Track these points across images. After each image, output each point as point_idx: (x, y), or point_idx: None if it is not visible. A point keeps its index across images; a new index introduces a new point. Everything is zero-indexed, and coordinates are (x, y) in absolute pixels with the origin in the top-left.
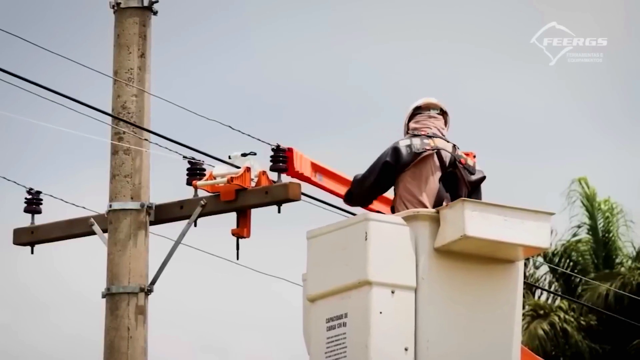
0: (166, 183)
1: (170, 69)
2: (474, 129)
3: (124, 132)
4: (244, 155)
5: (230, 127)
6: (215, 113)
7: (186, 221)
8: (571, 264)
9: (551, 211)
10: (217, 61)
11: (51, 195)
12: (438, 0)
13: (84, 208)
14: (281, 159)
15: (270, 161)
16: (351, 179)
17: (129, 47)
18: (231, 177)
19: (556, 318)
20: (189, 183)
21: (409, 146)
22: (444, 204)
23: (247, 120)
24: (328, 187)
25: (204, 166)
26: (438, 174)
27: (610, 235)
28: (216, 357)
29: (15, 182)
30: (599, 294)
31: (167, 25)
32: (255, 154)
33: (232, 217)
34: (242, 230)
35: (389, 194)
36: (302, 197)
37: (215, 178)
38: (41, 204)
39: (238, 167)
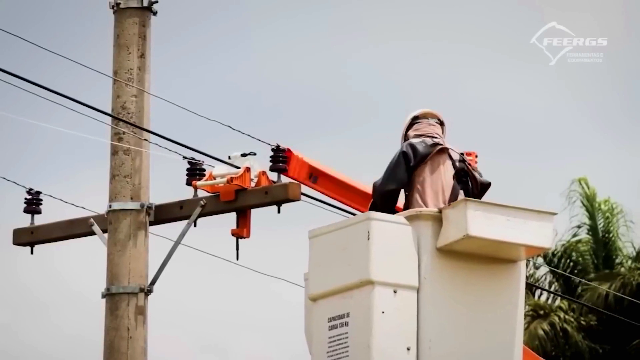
0: (166, 183)
1: (170, 69)
2: (474, 129)
3: (124, 133)
4: (243, 155)
5: (230, 127)
6: (215, 113)
7: (186, 221)
8: (571, 264)
9: (554, 211)
10: (216, 61)
11: (51, 196)
12: (438, 0)
13: (84, 208)
14: (281, 159)
15: (270, 161)
16: (352, 178)
17: (128, 47)
18: (231, 178)
19: (556, 318)
20: (188, 183)
21: (422, 142)
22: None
23: (247, 120)
24: (323, 191)
25: (203, 166)
26: (451, 171)
27: (610, 235)
28: (216, 357)
29: (15, 182)
30: (598, 294)
31: (166, 25)
32: (255, 154)
33: (231, 217)
34: (241, 231)
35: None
36: (302, 197)
37: (215, 178)
38: (41, 204)
39: (238, 168)
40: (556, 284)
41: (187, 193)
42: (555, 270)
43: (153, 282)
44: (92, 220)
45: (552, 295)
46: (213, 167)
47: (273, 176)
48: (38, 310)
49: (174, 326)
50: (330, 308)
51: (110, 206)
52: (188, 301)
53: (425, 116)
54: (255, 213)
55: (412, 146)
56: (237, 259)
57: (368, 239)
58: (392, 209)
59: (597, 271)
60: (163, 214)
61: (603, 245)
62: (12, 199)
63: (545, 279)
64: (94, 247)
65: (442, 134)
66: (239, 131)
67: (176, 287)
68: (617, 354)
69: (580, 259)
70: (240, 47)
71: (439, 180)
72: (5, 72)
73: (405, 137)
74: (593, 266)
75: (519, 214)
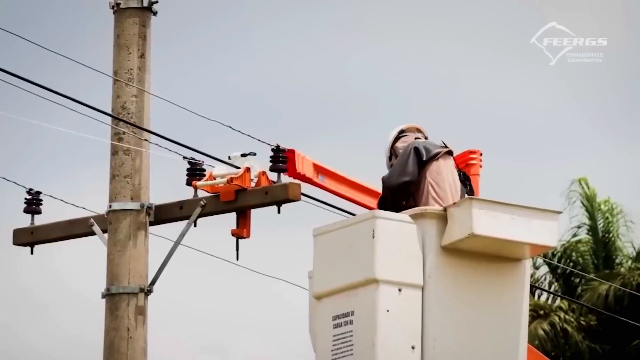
0: (166, 183)
1: (170, 69)
2: (474, 129)
3: (124, 133)
4: (243, 155)
5: (230, 127)
6: (215, 113)
7: (186, 221)
8: (571, 264)
9: (559, 210)
10: (217, 61)
11: (51, 196)
12: (438, 0)
13: (84, 208)
14: (281, 159)
15: (270, 161)
16: (353, 178)
17: (128, 47)
18: (231, 178)
19: (556, 318)
20: (188, 183)
21: (429, 142)
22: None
23: (247, 120)
24: (330, 188)
25: (203, 166)
26: (456, 173)
27: (610, 235)
28: (216, 357)
29: (15, 183)
30: (598, 294)
31: (166, 25)
32: (255, 154)
33: (231, 217)
34: (241, 231)
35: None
36: (302, 197)
37: (215, 178)
38: (41, 204)
39: (238, 168)
40: (556, 284)
41: (187, 193)
42: (559, 264)
43: (153, 282)
44: (92, 220)
45: (552, 295)
46: (213, 167)
47: (273, 176)
48: (38, 310)
49: (174, 326)
50: (334, 306)
51: (110, 206)
52: (188, 301)
53: (410, 130)
54: (255, 213)
55: (423, 144)
56: (237, 259)
57: (373, 237)
58: (402, 203)
59: (597, 271)
60: (163, 214)
61: (603, 245)
62: (12, 199)
63: (545, 279)
64: (94, 247)
65: None
66: (239, 131)
67: (176, 288)
68: (617, 354)
69: (580, 259)
70: (240, 47)
71: (450, 177)
72: (5, 72)
73: (392, 150)
74: (593, 266)
75: (523, 213)
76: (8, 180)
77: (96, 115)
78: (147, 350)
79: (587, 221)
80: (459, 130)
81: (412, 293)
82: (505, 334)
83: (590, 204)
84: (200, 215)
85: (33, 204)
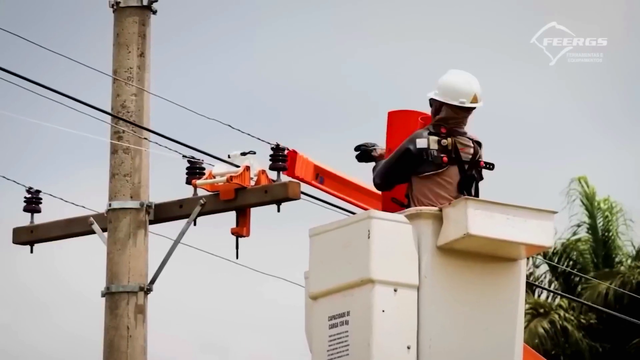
0: (166, 182)
1: (169, 68)
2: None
3: (124, 131)
4: (243, 154)
5: (229, 126)
6: (215, 112)
7: (185, 220)
8: (571, 262)
9: (554, 210)
10: (217, 61)
11: (51, 195)
12: (438, 1)
13: (84, 207)
14: (281, 158)
15: (270, 160)
16: (354, 179)
17: (128, 46)
18: (230, 176)
19: (556, 316)
20: (188, 182)
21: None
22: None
23: (247, 119)
24: (329, 190)
25: (203, 165)
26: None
27: (610, 234)
28: (216, 356)
29: (15, 182)
30: (598, 292)
31: (166, 24)
32: (254, 153)
33: (231, 216)
34: (241, 229)
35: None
36: (302, 196)
37: (214, 177)
38: (41, 203)
39: (237, 166)
40: (556, 282)
41: (186, 192)
42: (558, 265)
43: (153, 281)
44: (91, 219)
45: (552, 293)
46: (213, 165)
47: (273, 175)
48: (38, 309)
49: (174, 325)
50: (330, 306)
51: (110, 205)
52: (188, 300)
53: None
54: (254, 212)
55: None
56: (237, 257)
57: (368, 237)
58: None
59: (597, 270)
60: (163, 213)
61: (603, 244)
62: (12, 198)
63: (545, 277)
64: (94, 246)
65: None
66: (239, 130)
67: (176, 286)
68: (617, 353)
69: (580, 257)
70: (240, 47)
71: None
72: (5, 71)
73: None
74: (593, 265)
75: (519, 213)
76: (8, 179)
77: (96, 114)
78: (147, 349)
79: (586, 220)
80: None
81: (407, 293)
82: (501, 334)
83: (590, 203)
84: (200, 214)
85: (33, 202)
